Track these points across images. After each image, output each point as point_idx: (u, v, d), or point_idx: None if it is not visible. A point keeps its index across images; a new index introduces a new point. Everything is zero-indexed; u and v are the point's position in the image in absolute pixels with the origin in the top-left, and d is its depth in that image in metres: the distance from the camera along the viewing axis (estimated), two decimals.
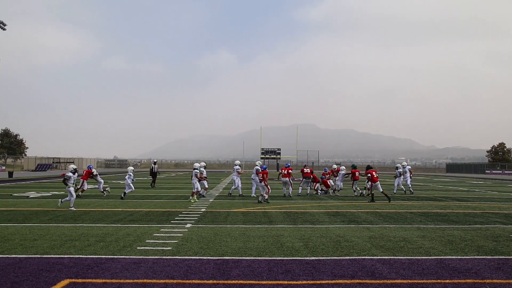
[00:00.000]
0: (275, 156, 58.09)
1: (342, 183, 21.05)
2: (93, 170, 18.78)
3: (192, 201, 16.04)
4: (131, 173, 17.51)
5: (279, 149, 59.57)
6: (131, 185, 17.18)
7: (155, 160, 28.04)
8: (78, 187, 17.90)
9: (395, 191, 21.28)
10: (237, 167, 19.19)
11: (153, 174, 25.14)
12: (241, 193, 18.90)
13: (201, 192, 17.27)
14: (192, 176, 16.62)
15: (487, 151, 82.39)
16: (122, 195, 17.00)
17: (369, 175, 17.02)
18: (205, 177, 17.83)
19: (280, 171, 19.46)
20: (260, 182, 16.53)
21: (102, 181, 18.92)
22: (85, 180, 18.30)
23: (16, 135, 73.21)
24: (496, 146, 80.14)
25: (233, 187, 18.94)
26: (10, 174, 38.20)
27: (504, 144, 79.50)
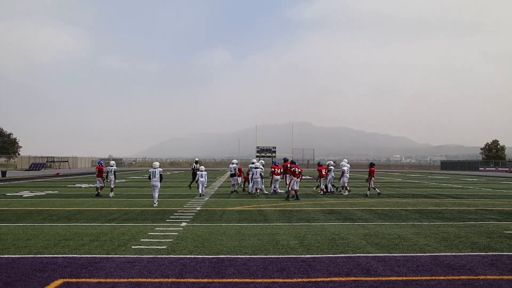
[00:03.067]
0: (270, 155, 58.11)
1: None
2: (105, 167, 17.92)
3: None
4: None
5: (275, 147, 59.57)
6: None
7: (197, 159, 25.43)
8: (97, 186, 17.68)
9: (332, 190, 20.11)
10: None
11: (195, 173, 22.77)
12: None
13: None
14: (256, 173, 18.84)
15: (481, 149, 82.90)
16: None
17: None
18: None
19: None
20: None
21: (112, 181, 17.71)
22: (99, 179, 17.53)
23: (10, 134, 72.77)
24: (489, 143, 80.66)
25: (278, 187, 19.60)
26: (3, 173, 37.91)
27: (498, 141, 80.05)
